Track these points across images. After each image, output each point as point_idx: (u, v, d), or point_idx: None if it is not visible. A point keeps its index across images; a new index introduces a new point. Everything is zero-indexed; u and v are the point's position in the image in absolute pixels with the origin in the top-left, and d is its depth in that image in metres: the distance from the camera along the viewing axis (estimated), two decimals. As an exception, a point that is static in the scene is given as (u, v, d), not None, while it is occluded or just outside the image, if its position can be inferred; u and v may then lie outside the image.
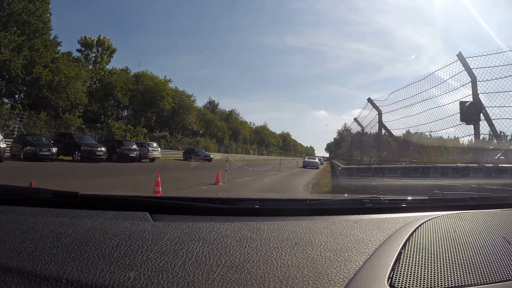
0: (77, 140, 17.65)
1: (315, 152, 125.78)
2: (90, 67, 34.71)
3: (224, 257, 0.65)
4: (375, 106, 8.85)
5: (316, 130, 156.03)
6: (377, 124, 9.29)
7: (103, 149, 17.64)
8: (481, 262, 0.67)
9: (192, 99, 42.88)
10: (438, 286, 0.58)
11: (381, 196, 1.26)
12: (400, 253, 0.68)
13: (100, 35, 37.15)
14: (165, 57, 71.27)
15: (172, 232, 0.77)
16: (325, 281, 0.57)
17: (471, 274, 0.62)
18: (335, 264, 0.64)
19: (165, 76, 39.99)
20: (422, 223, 0.89)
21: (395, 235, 0.80)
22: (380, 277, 0.59)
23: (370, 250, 0.71)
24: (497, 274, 0.63)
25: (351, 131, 18.21)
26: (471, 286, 0.59)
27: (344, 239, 0.79)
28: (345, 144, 27.53)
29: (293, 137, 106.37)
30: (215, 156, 38.46)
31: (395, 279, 0.59)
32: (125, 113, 37.40)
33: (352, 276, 0.59)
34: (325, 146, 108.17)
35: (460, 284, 0.59)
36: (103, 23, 57.88)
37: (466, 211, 1.09)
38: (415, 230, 0.83)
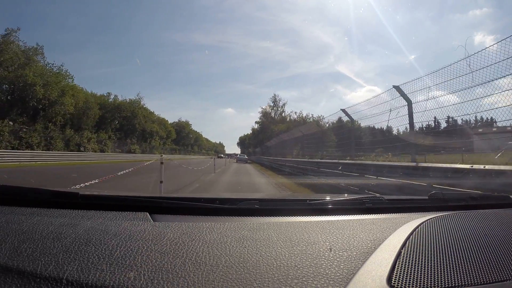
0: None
1: (225, 149, 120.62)
2: None
3: (224, 257, 0.65)
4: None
5: (225, 128, 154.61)
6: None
7: None
8: (480, 262, 0.67)
9: None
10: (438, 286, 0.58)
11: (381, 196, 1.26)
12: (400, 253, 0.68)
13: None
14: (64, 55, 62.94)
15: (172, 232, 0.77)
16: (325, 281, 0.57)
17: (470, 274, 0.62)
18: (335, 264, 0.64)
19: None
20: (422, 223, 0.88)
21: (395, 235, 0.80)
22: (380, 277, 0.59)
23: (370, 250, 0.71)
24: (497, 274, 0.62)
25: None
26: (470, 286, 0.59)
27: (344, 239, 0.79)
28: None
29: (195, 129, 78.37)
30: None
31: (395, 279, 0.59)
32: None
33: (352, 276, 0.59)
34: (237, 141, 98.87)
35: (460, 284, 0.59)
36: None
37: (466, 211, 1.09)
38: (415, 230, 0.83)
